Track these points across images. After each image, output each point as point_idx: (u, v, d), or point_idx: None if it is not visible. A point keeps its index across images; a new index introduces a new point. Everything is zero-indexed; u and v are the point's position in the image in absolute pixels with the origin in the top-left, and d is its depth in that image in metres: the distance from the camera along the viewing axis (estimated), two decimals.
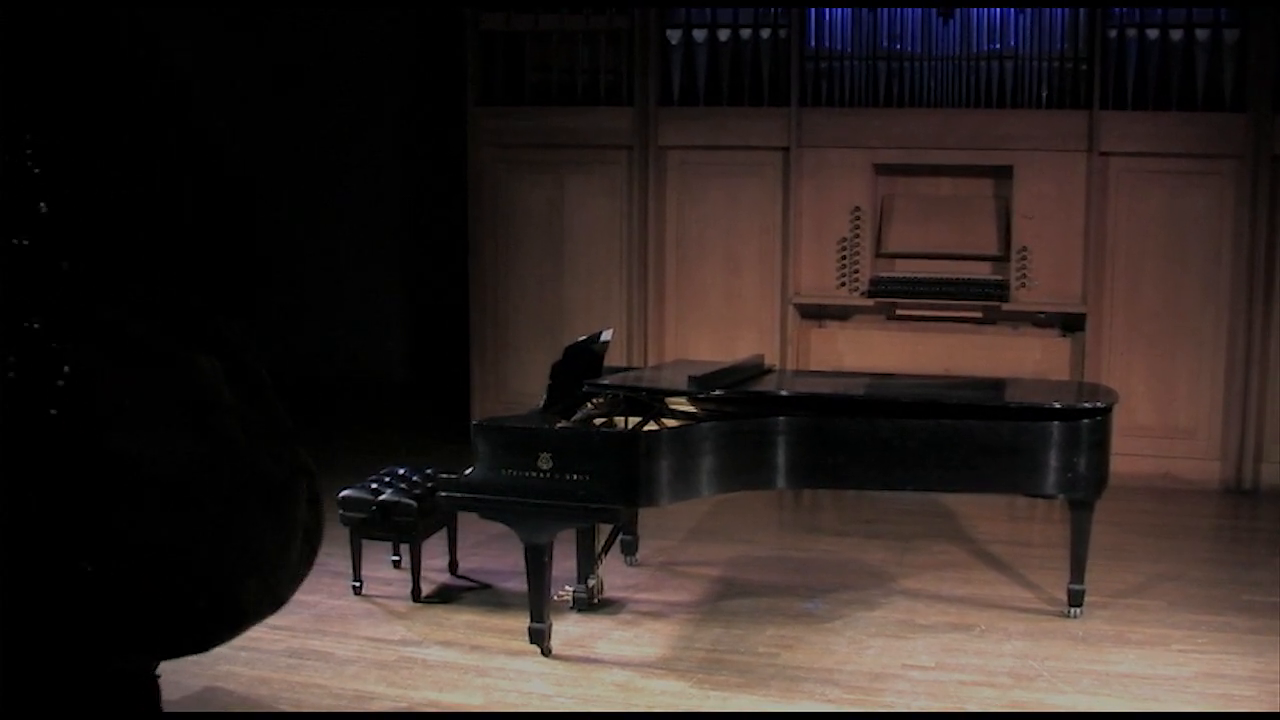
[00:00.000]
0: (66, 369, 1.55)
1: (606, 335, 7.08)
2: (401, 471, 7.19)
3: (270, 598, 1.84)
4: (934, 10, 9.64)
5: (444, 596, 6.99)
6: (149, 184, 1.73)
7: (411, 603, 6.84)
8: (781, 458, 6.30)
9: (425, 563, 7.00)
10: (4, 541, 1.54)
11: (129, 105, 1.71)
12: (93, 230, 1.60)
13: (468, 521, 6.93)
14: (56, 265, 1.56)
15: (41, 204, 1.53)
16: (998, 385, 7.76)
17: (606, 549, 7.04)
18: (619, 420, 6.52)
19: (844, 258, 9.97)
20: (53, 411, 1.52)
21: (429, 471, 7.12)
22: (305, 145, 12.15)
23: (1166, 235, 9.55)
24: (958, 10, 9.62)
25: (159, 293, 1.68)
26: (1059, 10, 9.44)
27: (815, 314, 10.19)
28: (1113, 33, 9.42)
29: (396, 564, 7.31)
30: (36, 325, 1.52)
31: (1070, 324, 9.76)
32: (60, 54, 1.61)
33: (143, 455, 1.62)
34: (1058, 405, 6.49)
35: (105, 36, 1.75)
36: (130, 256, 1.65)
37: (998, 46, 9.60)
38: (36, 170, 1.53)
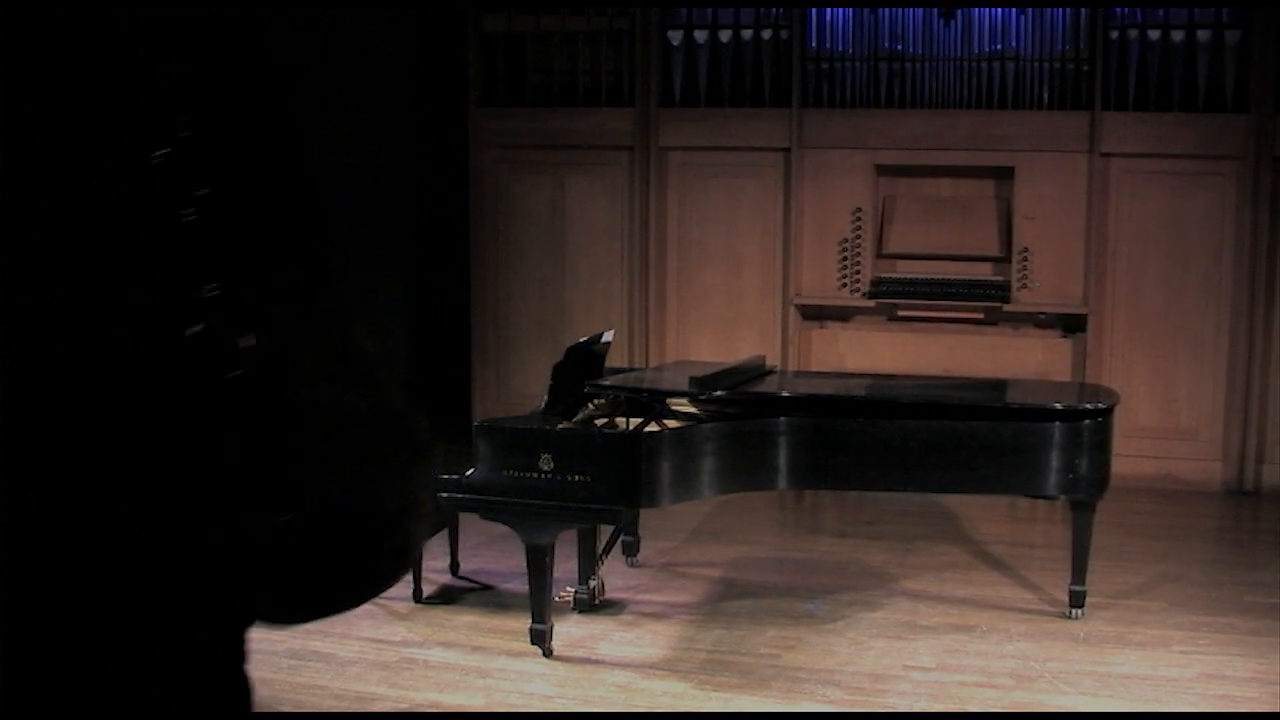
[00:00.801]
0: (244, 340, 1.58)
1: (608, 336, 7.08)
2: None
3: (418, 545, 1.89)
4: (935, 11, 9.65)
5: (445, 597, 6.99)
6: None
7: (413, 604, 6.83)
8: (783, 458, 6.30)
9: (427, 564, 7.00)
10: (201, 501, 1.56)
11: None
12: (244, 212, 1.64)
13: (469, 522, 6.93)
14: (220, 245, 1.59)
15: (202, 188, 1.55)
16: (999, 386, 7.76)
17: (608, 550, 7.04)
18: (620, 421, 6.51)
19: (845, 258, 9.97)
20: (238, 372, 1.55)
21: (430, 472, 7.10)
22: (305, 146, 12.15)
23: (1168, 236, 9.55)
24: (959, 11, 9.62)
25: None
26: (1060, 11, 9.44)
27: (816, 315, 10.20)
28: (1114, 33, 9.42)
29: None
30: (215, 292, 1.54)
31: (1071, 325, 9.76)
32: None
33: (324, 405, 1.67)
34: (1059, 406, 6.48)
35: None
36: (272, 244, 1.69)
37: (999, 47, 9.61)
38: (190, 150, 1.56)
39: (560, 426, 6.12)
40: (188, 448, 1.50)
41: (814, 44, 9.90)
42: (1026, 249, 9.63)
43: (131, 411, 1.49)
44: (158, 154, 1.49)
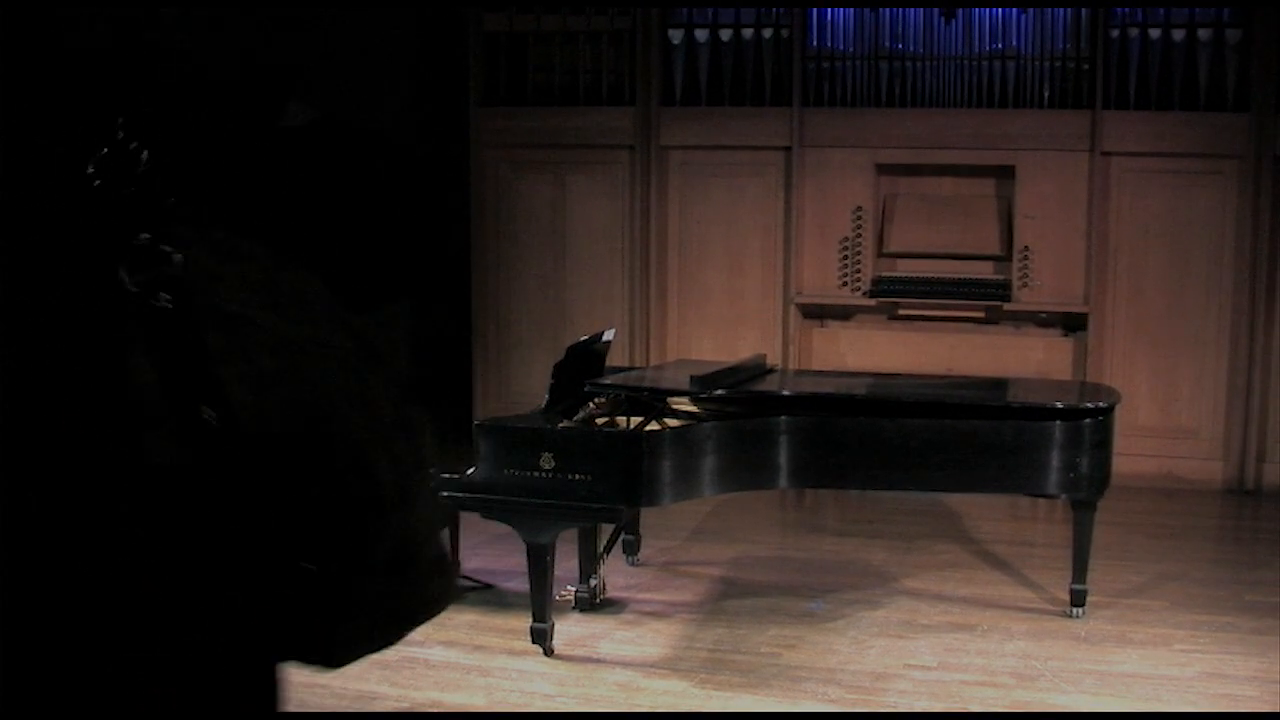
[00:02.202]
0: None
1: (608, 335, 7.08)
2: None
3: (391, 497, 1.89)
4: (936, 10, 9.65)
5: None
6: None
7: None
8: (783, 458, 6.30)
9: None
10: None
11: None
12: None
13: (470, 522, 6.93)
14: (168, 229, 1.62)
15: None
16: (1000, 385, 7.76)
17: (608, 549, 7.04)
18: (621, 420, 6.52)
19: (846, 257, 9.97)
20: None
21: (431, 471, 7.10)
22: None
23: (1169, 235, 9.55)
24: (960, 10, 9.62)
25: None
26: (1061, 10, 9.45)
27: (817, 314, 10.20)
28: (1115, 32, 9.42)
29: None
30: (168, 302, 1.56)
31: (1072, 324, 9.76)
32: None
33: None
34: (1060, 405, 6.48)
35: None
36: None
37: (1000, 46, 9.61)
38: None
39: (561, 425, 6.12)
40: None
41: (815, 43, 9.91)
42: (1027, 248, 9.63)
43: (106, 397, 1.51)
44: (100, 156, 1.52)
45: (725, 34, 10.05)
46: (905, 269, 9.89)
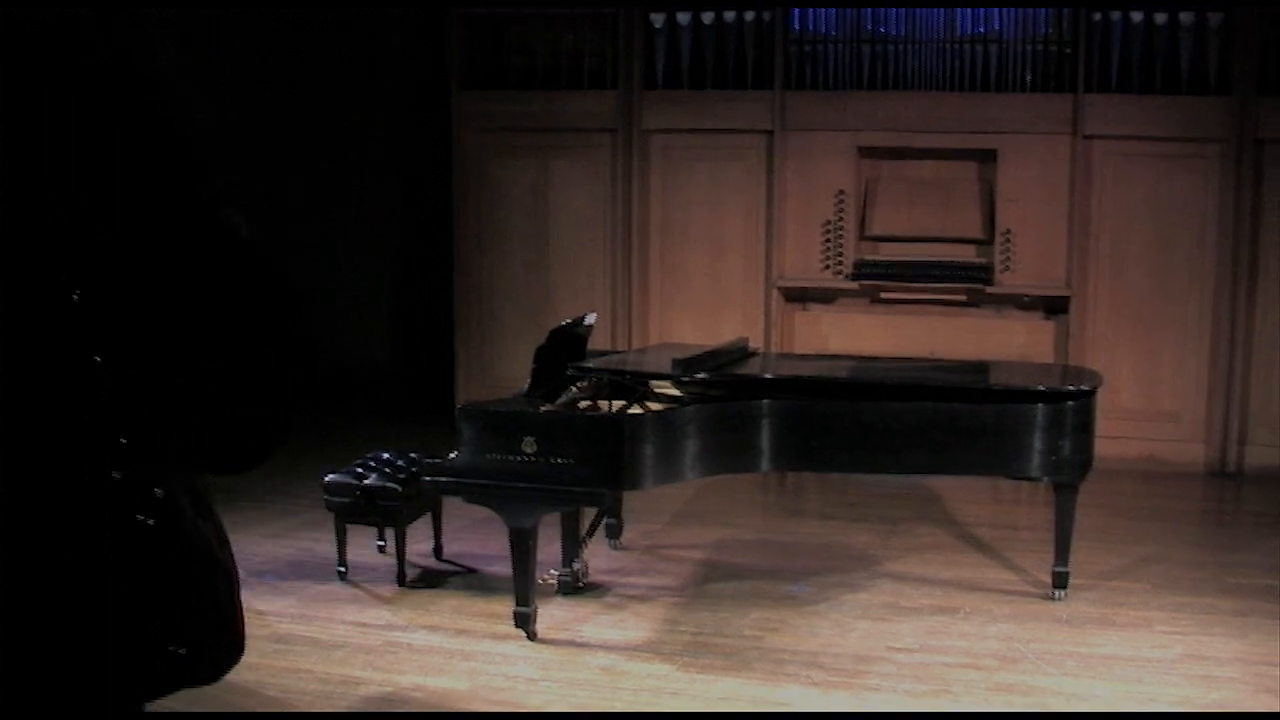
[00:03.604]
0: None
1: (590, 319, 7.07)
2: (386, 456, 7.17)
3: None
4: None
5: (429, 581, 6.98)
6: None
7: (397, 587, 6.83)
8: (765, 441, 6.30)
9: (410, 547, 6.99)
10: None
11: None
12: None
13: (452, 506, 6.93)
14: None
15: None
16: (982, 368, 7.77)
17: (591, 533, 7.04)
18: (603, 404, 6.51)
19: (828, 241, 9.97)
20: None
21: (413, 456, 7.10)
22: (289, 132, 12.10)
23: (1150, 218, 9.57)
24: None
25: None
26: None
27: (799, 297, 10.20)
28: (1097, 16, 9.43)
29: (381, 549, 7.30)
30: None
31: (1054, 307, 9.77)
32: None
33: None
34: (1042, 388, 6.49)
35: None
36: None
37: (982, 30, 9.61)
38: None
39: (543, 409, 6.11)
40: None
41: (797, 26, 9.90)
42: (1009, 231, 9.64)
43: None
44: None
45: (707, 17, 10.04)
46: (887, 252, 9.90)
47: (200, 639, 1.94)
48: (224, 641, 2.03)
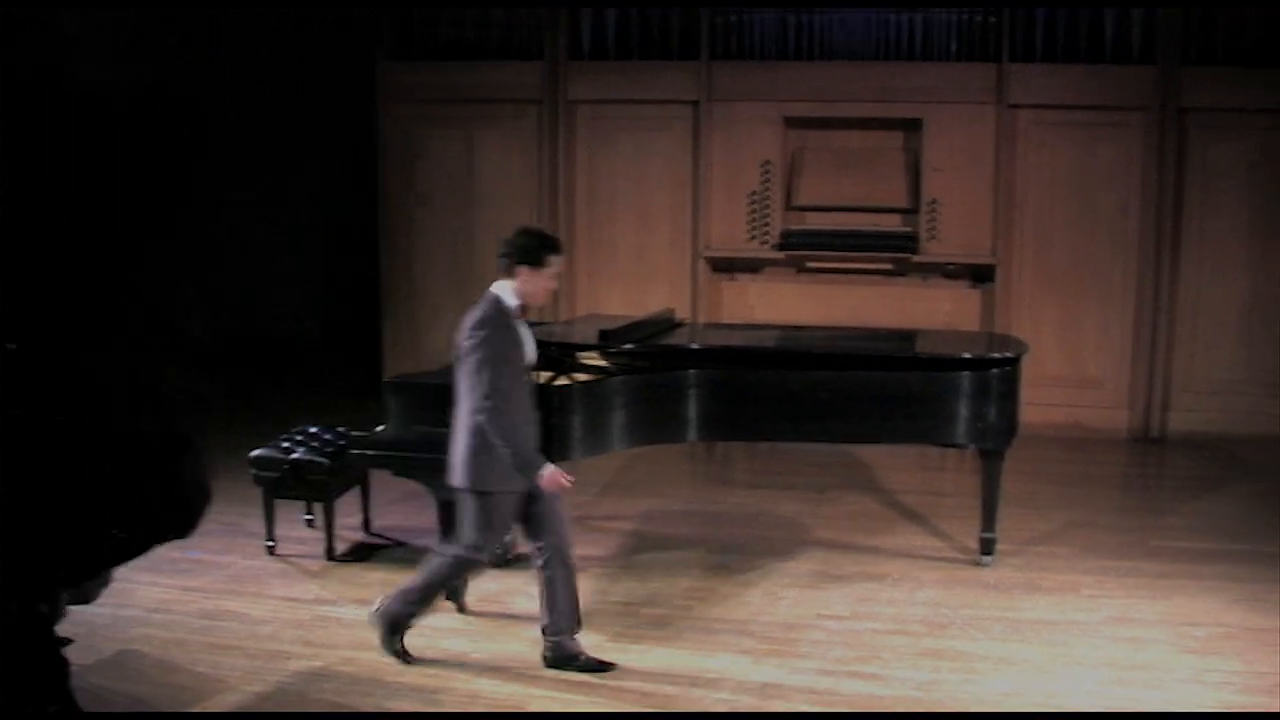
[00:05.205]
0: None
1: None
2: (313, 430, 7.11)
3: None
4: None
5: (358, 555, 6.95)
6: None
7: (326, 561, 6.79)
8: (693, 411, 6.31)
9: (339, 521, 6.94)
10: None
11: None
12: None
13: (380, 480, 6.89)
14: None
15: None
16: (908, 337, 7.79)
17: None
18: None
19: (754, 211, 9.98)
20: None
21: (341, 429, 7.06)
22: (215, 103, 11.96)
23: (1075, 187, 9.64)
24: None
25: None
26: None
27: (726, 267, 10.22)
28: None
29: (310, 523, 7.25)
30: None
31: (980, 275, 9.83)
32: None
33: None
34: (967, 356, 6.53)
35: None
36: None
37: None
38: None
39: None
40: None
41: None
42: (935, 200, 9.67)
43: None
44: None
45: None
46: (814, 222, 9.92)
47: None
48: None
